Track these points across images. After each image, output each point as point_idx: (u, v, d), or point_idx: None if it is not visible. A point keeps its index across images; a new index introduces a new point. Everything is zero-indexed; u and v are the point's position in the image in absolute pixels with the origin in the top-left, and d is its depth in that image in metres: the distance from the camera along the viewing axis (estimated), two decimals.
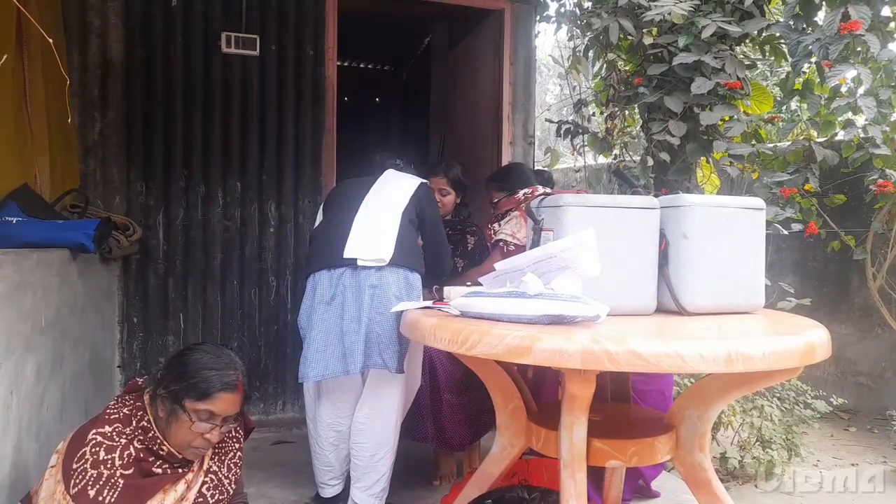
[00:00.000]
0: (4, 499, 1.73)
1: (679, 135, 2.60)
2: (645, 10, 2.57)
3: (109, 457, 1.53)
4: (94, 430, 1.56)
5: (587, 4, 3.15)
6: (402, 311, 1.90)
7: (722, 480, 1.88)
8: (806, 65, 2.64)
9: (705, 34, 2.45)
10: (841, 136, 3.08)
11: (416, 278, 2.29)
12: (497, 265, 1.73)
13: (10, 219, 2.14)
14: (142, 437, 1.59)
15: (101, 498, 1.49)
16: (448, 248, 2.60)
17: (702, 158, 2.88)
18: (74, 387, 2.39)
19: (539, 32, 4.30)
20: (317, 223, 2.55)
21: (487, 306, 1.54)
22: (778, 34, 2.75)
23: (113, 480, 1.52)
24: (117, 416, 1.60)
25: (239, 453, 1.78)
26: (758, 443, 2.92)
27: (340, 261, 2.23)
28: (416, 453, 2.79)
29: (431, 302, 1.96)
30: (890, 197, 3.18)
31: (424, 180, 2.53)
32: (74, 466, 1.51)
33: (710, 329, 1.58)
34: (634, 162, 3.29)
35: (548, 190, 2.86)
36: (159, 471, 1.60)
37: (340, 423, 2.35)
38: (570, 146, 3.73)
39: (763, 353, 1.34)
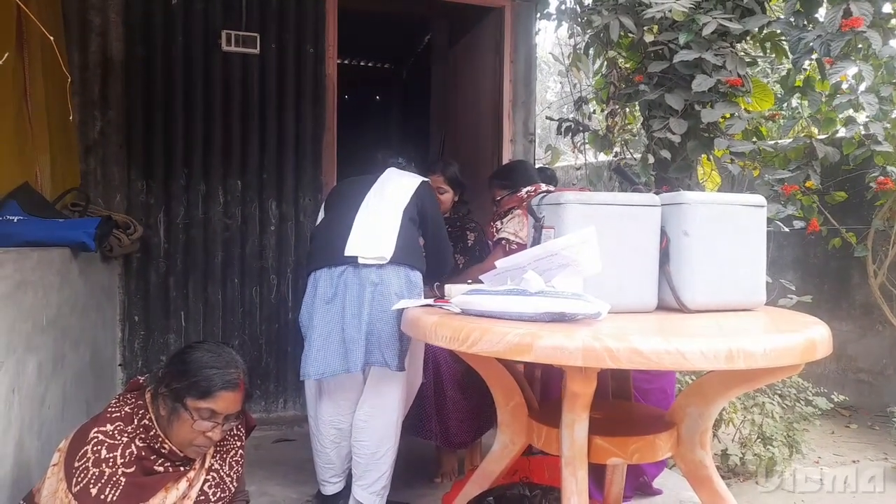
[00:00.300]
0: (6, 497, 1.73)
1: (680, 132, 2.59)
2: (645, 7, 2.57)
3: (111, 455, 1.53)
4: (95, 429, 1.56)
5: (588, 2, 3.15)
6: (403, 309, 1.90)
7: (723, 477, 1.88)
8: (807, 62, 2.63)
9: (706, 31, 2.45)
10: (842, 133, 3.07)
11: (417, 276, 2.29)
12: (498, 263, 1.73)
13: (11, 217, 2.14)
14: (143, 436, 1.59)
15: (102, 496, 1.50)
16: (450, 246, 2.61)
17: (703, 156, 2.88)
18: (76, 385, 2.39)
19: (539, 30, 4.30)
20: (318, 222, 2.55)
21: (488, 304, 1.54)
22: (779, 31, 2.74)
23: (115, 479, 1.52)
24: (119, 414, 1.60)
25: (240, 451, 1.79)
26: (759, 440, 2.92)
27: (341, 259, 2.23)
28: (417, 451, 2.79)
29: (432, 300, 1.96)
30: (891, 194, 3.18)
31: (426, 178, 2.53)
32: (76, 465, 1.52)
33: (711, 326, 1.58)
34: (635, 159, 3.28)
35: (550, 188, 2.86)
36: (161, 469, 1.61)
37: (342, 420, 2.35)
38: (570, 144, 3.73)
39: (764, 350, 1.34)
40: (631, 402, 2.09)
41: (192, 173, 3.35)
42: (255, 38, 3.38)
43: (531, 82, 4.16)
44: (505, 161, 3.91)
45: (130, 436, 1.58)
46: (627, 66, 3.30)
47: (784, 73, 3.28)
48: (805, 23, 2.56)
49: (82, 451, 1.53)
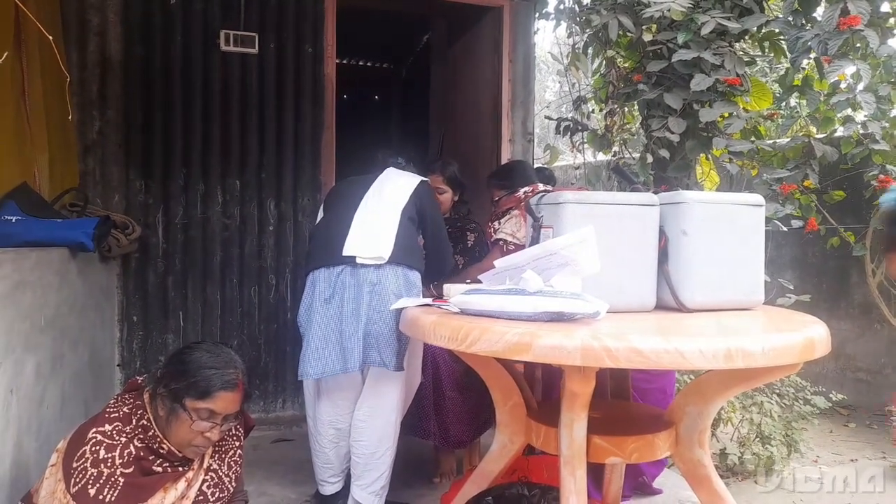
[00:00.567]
0: (5, 497, 1.73)
1: (678, 131, 2.59)
2: (644, 6, 2.57)
3: (110, 455, 1.53)
4: (94, 429, 1.56)
5: (586, 1, 3.15)
6: (401, 309, 1.90)
7: (722, 477, 1.88)
8: (805, 61, 2.63)
9: (705, 31, 2.45)
10: (840, 132, 3.07)
11: (415, 276, 2.29)
12: (497, 262, 1.73)
13: (9, 218, 2.14)
14: (142, 436, 1.59)
15: (101, 496, 1.49)
16: (449, 245, 2.60)
17: (701, 155, 2.88)
18: (74, 385, 2.39)
19: (538, 29, 4.29)
20: (317, 221, 2.55)
21: (487, 303, 1.54)
22: (777, 30, 2.74)
23: (113, 479, 1.52)
24: (117, 414, 1.60)
25: (239, 451, 1.78)
26: (757, 439, 2.92)
27: (339, 259, 2.23)
28: (416, 451, 2.79)
29: (431, 299, 1.96)
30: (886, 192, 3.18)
31: (425, 178, 2.53)
32: (75, 465, 1.51)
33: (710, 325, 1.58)
34: (634, 159, 3.28)
35: (548, 188, 2.86)
36: (159, 469, 1.61)
37: (340, 420, 2.35)
38: (569, 143, 3.72)
39: (763, 350, 1.34)
40: (629, 402, 2.09)
41: (191, 173, 3.35)
42: (253, 38, 3.37)
43: (530, 82, 4.16)
44: (504, 161, 3.91)
45: (129, 436, 1.58)
46: (626, 65, 3.30)
47: (782, 72, 3.28)
48: (803, 22, 2.56)
49: (81, 452, 1.53)
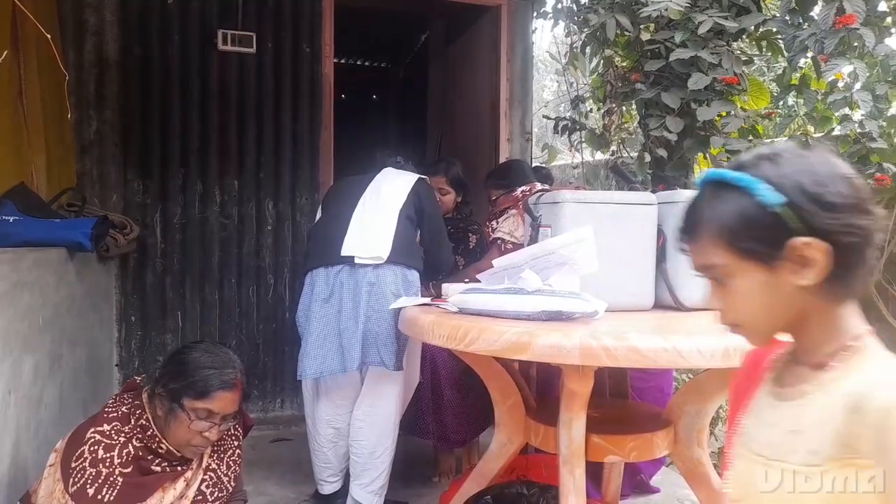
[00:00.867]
0: (3, 498, 1.73)
1: (676, 131, 2.59)
2: (642, 6, 2.57)
3: (108, 455, 1.53)
4: (92, 429, 1.56)
5: (584, 0, 3.15)
6: (400, 308, 1.90)
7: (720, 475, 1.88)
8: (802, 60, 2.63)
9: (702, 30, 2.45)
10: (838, 131, 3.08)
11: (413, 275, 2.29)
12: (495, 261, 1.73)
13: (7, 218, 2.14)
14: (140, 436, 1.59)
15: (100, 496, 1.49)
16: (448, 243, 2.60)
17: (699, 154, 2.88)
18: (73, 385, 2.39)
19: (536, 29, 4.29)
20: (316, 221, 2.55)
21: (486, 303, 1.54)
22: (774, 29, 2.75)
23: (112, 479, 1.52)
24: (116, 414, 1.60)
25: (238, 451, 1.78)
26: None
27: (338, 258, 2.23)
28: (415, 450, 2.79)
29: (430, 299, 1.96)
30: (887, 191, 3.19)
31: (423, 176, 2.53)
32: (73, 465, 1.51)
33: (709, 324, 1.58)
34: (632, 158, 3.29)
35: (546, 187, 2.86)
36: (158, 469, 1.60)
37: (339, 420, 2.35)
38: (567, 143, 3.73)
39: None
40: (628, 401, 2.09)
41: (189, 173, 3.35)
42: (251, 38, 3.37)
43: (528, 81, 4.16)
44: (502, 160, 3.91)
45: (127, 436, 1.58)
46: (624, 64, 3.30)
47: (780, 71, 3.28)
48: (800, 21, 2.57)
49: (79, 452, 1.52)
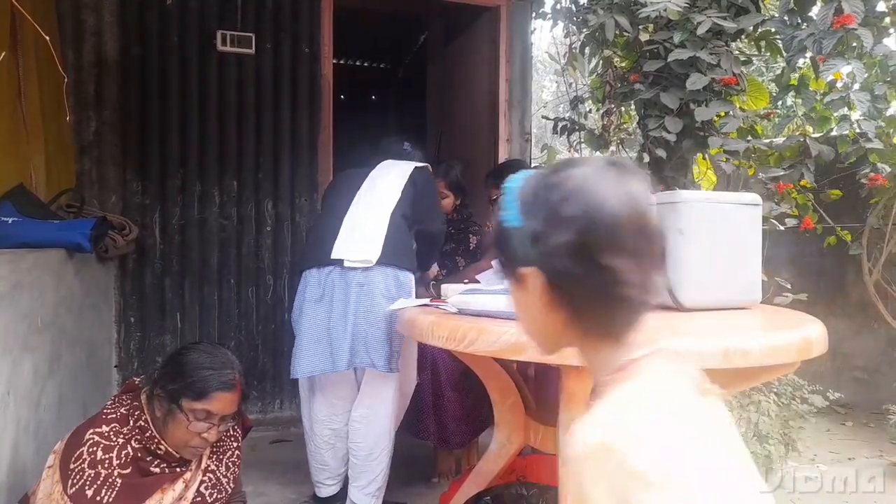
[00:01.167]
0: (2, 499, 1.73)
1: (675, 131, 2.59)
2: (641, 6, 2.57)
3: (107, 456, 1.53)
4: (91, 430, 1.56)
5: (583, 1, 3.15)
6: (397, 310, 1.90)
7: None
8: (801, 60, 2.64)
9: (701, 30, 2.45)
10: (836, 131, 3.08)
11: (406, 276, 2.27)
12: (494, 262, 1.73)
13: (5, 219, 2.14)
14: (139, 437, 1.59)
15: (98, 497, 1.49)
16: (442, 231, 2.55)
17: (698, 154, 2.88)
18: (72, 386, 2.39)
19: (535, 29, 4.30)
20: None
21: (485, 303, 1.54)
22: (773, 29, 2.75)
23: (111, 480, 1.51)
24: (115, 415, 1.60)
25: (237, 452, 1.78)
26: (755, 438, 2.92)
27: (329, 259, 2.23)
28: (414, 451, 2.79)
29: (429, 299, 1.96)
30: (883, 191, 3.19)
31: (423, 164, 2.51)
32: (72, 466, 1.51)
33: (707, 325, 1.58)
34: (631, 158, 3.29)
35: None
36: (157, 470, 1.60)
37: (335, 421, 2.35)
38: (566, 143, 3.72)
39: (760, 349, 1.34)
40: None
41: (188, 174, 3.34)
42: (250, 38, 3.37)
43: (527, 81, 4.16)
44: (501, 161, 3.91)
45: (126, 437, 1.58)
46: (623, 65, 3.30)
47: (779, 71, 3.29)
48: (799, 21, 2.57)
49: (78, 453, 1.52)
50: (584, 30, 3.00)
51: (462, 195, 3.01)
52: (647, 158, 2.83)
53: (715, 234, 1.73)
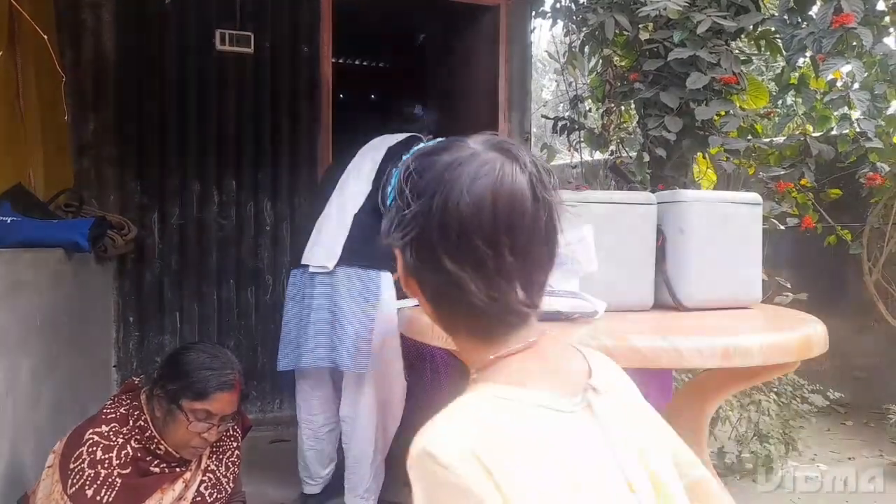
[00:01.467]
0: (2, 499, 1.72)
1: (675, 130, 2.59)
2: (641, 5, 2.57)
3: (107, 456, 1.53)
4: (90, 430, 1.55)
5: (583, 0, 3.14)
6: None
7: (720, 475, 1.88)
8: (801, 59, 2.63)
9: (701, 29, 2.45)
10: (836, 130, 3.08)
11: (371, 274, 2.26)
12: None
13: (3, 218, 2.13)
14: (139, 437, 1.58)
15: (98, 497, 1.49)
16: None
17: (698, 154, 2.88)
18: (70, 386, 2.38)
19: (535, 28, 4.29)
20: None
21: None
22: (773, 28, 2.75)
23: (110, 480, 1.51)
24: (114, 415, 1.60)
25: (237, 452, 1.78)
26: (755, 437, 2.92)
27: (300, 263, 2.35)
28: None
29: None
30: (882, 190, 3.19)
31: (411, 135, 2.49)
32: (72, 466, 1.51)
33: (708, 324, 1.58)
34: (631, 158, 3.28)
35: None
36: (157, 470, 1.60)
37: (313, 421, 2.42)
38: (566, 142, 3.72)
39: (760, 348, 1.34)
40: None
41: (187, 173, 3.34)
42: (249, 38, 3.36)
43: (527, 81, 4.16)
44: None
45: (126, 437, 1.57)
46: (623, 64, 3.29)
47: (779, 70, 3.28)
48: (799, 20, 2.56)
49: (77, 453, 1.52)
50: (584, 29, 3.00)
51: None
52: (647, 158, 2.82)
53: (715, 233, 1.73)
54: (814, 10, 2.54)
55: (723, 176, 3.27)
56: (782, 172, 2.88)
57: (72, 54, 3.14)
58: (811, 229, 3.15)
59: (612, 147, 3.62)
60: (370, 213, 2.29)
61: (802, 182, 2.91)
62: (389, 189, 0.71)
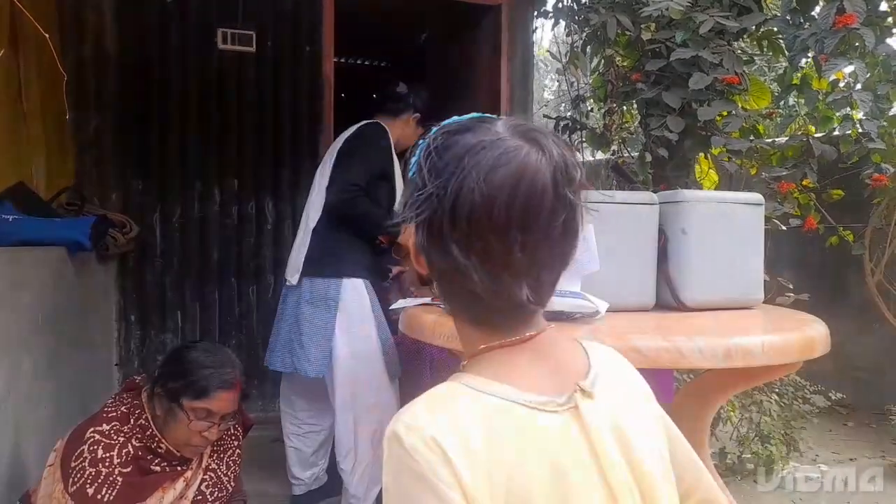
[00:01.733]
0: (3, 498, 1.72)
1: (677, 130, 2.59)
2: (643, 5, 2.57)
3: (108, 455, 1.53)
4: (92, 429, 1.55)
5: (585, 0, 3.14)
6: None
7: (721, 476, 1.88)
8: (803, 59, 2.63)
9: (703, 29, 2.44)
10: (839, 131, 3.07)
11: (330, 282, 2.28)
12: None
13: (5, 217, 2.13)
14: (140, 436, 1.59)
15: (99, 496, 1.49)
16: (341, 200, 2.26)
17: (700, 154, 2.87)
18: (72, 385, 2.38)
19: (536, 28, 4.29)
20: None
21: None
22: (775, 29, 2.74)
23: (111, 478, 1.51)
24: (115, 414, 1.60)
25: (238, 451, 1.78)
26: (757, 438, 2.92)
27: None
28: None
29: (430, 298, 1.95)
30: (886, 191, 3.18)
31: (367, 122, 2.42)
32: (73, 465, 1.51)
33: (709, 324, 1.58)
34: (633, 158, 3.28)
35: None
36: (158, 469, 1.60)
37: (294, 418, 2.53)
38: (568, 142, 3.72)
39: (762, 348, 1.33)
40: None
41: (188, 172, 3.34)
42: (251, 37, 3.37)
43: (529, 81, 4.16)
44: None
45: (127, 435, 1.57)
46: (625, 64, 3.29)
47: (781, 70, 3.28)
48: (801, 20, 2.56)
49: (78, 451, 1.52)
50: (586, 29, 2.99)
51: None
52: (649, 158, 2.82)
53: (717, 233, 1.72)
54: (816, 11, 2.53)
55: (725, 176, 3.27)
56: (784, 173, 2.87)
57: (74, 53, 3.14)
58: (813, 230, 3.14)
59: (614, 147, 3.62)
60: (326, 224, 2.32)
61: (804, 183, 2.90)
62: (413, 161, 0.70)
